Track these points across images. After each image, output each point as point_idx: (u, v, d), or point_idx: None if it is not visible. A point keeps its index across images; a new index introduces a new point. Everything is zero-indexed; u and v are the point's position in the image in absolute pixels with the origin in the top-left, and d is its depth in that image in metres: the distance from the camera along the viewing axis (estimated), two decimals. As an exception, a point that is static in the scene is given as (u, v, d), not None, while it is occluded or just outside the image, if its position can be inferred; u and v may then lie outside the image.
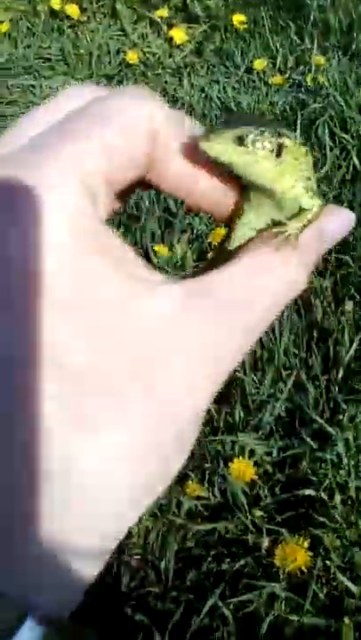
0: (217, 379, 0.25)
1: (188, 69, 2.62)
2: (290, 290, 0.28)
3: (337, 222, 0.30)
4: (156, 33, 2.86)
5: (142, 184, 0.29)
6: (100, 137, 0.25)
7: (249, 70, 2.49)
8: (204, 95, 2.41)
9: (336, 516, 1.10)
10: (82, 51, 2.87)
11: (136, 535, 1.23)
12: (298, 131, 1.85)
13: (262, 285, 0.27)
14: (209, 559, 1.13)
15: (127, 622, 1.10)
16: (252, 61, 2.47)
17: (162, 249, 1.63)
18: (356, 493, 1.14)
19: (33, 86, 2.78)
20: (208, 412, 1.27)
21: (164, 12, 2.82)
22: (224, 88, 2.38)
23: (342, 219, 0.30)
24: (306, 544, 1.07)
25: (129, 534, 1.23)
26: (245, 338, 0.26)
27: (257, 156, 0.27)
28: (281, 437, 1.24)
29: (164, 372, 0.24)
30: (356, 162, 1.74)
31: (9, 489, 0.22)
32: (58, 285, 0.22)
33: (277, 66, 2.46)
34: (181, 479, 1.20)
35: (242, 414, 1.26)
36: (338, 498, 1.12)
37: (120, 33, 2.91)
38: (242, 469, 1.17)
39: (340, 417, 1.22)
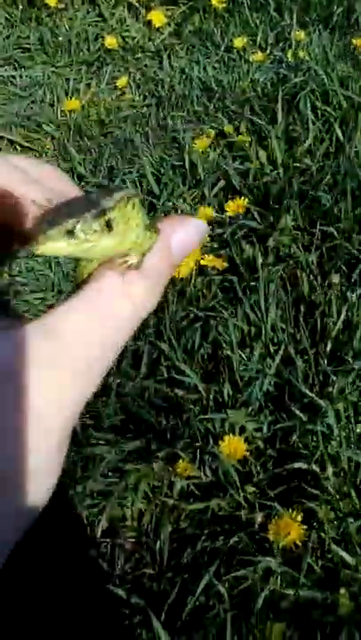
0: (68, 414, 0.27)
1: (167, 51, 2.59)
2: (137, 312, 0.29)
3: (183, 233, 0.31)
4: (134, 17, 2.82)
5: None
6: None
7: (229, 49, 2.46)
8: (184, 76, 2.38)
9: (329, 488, 1.09)
10: (61, 39, 2.84)
11: (130, 518, 1.22)
12: (280, 106, 1.82)
13: (107, 313, 0.28)
14: (203, 538, 1.12)
15: (123, 605, 1.09)
16: (231, 40, 2.44)
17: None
18: (349, 464, 1.13)
19: (13, 77, 2.75)
20: (196, 390, 1.26)
21: (141, -4, 2.79)
22: (205, 68, 2.35)
23: (188, 229, 0.31)
24: (299, 518, 1.06)
25: (122, 518, 1.22)
26: (93, 368, 0.28)
27: (91, 242, 0.28)
28: (271, 413, 1.23)
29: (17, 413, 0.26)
30: (340, 134, 1.72)
31: None
32: None
33: (258, 43, 2.43)
34: (172, 460, 1.18)
35: (230, 391, 1.25)
36: (330, 470, 1.11)
37: (98, 19, 2.87)
38: (233, 447, 1.16)
39: (330, 389, 1.20)
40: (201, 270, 1.49)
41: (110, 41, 2.64)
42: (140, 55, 2.66)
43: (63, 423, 0.27)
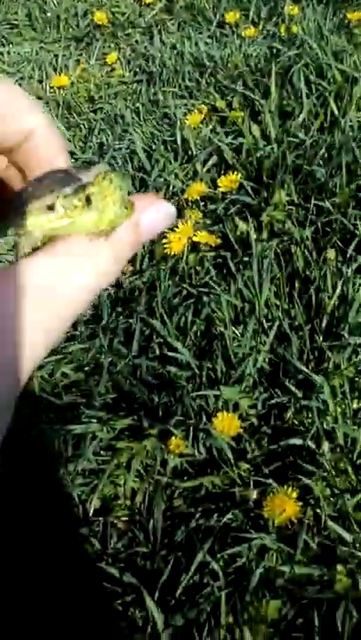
0: (33, 356, 0.27)
1: (158, 27, 2.55)
2: (98, 279, 0.29)
3: (153, 216, 0.31)
4: (124, -8, 2.78)
5: None
6: None
7: (221, 24, 2.42)
8: (176, 52, 2.34)
9: (325, 464, 1.07)
10: (49, 14, 2.78)
11: (122, 497, 1.20)
12: (273, 80, 1.79)
13: (73, 273, 0.28)
14: (197, 516, 1.10)
15: (116, 584, 1.07)
16: (223, 15, 2.40)
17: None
18: (345, 440, 1.11)
19: (1, 53, 2.70)
20: (189, 367, 1.23)
21: (131, -30, 2.74)
22: (196, 43, 2.31)
23: (159, 212, 0.32)
24: (295, 494, 1.05)
25: (115, 496, 1.20)
26: (55, 322, 0.28)
27: (71, 217, 0.28)
28: (265, 389, 1.21)
29: None
30: (334, 108, 1.69)
31: None
32: None
33: (250, 18, 2.39)
34: (165, 437, 1.16)
35: (224, 368, 1.23)
36: (326, 446, 1.09)
37: (87, -6, 2.82)
38: (226, 423, 1.14)
39: (326, 365, 1.18)
40: (194, 247, 1.46)
41: (100, 16, 2.60)
42: (130, 31, 2.62)
43: (29, 368, 0.27)
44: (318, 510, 1.06)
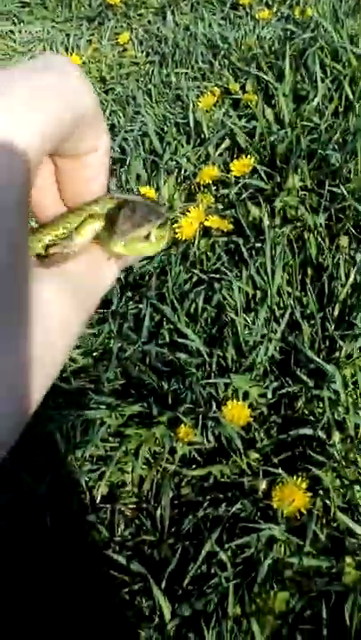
0: (69, 344, 0.28)
1: (171, 8, 2.50)
2: (112, 282, 0.32)
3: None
4: (137, -29, 2.73)
5: None
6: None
7: (235, 6, 2.38)
8: (188, 33, 2.30)
9: (335, 455, 1.06)
10: (60, -7, 2.74)
11: (130, 484, 1.19)
12: (287, 63, 1.76)
13: (101, 276, 0.31)
14: (205, 505, 1.09)
15: (123, 572, 1.07)
16: (238, -4, 2.36)
17: (148, 191, 1.56)
18: (355, 431, 1.09)
19: (12, 32, 2.67)
20: (199, 354, 1.22)
21: None
22: (210, 25, 2.27)
23: None
24: (304, 485, 1.03)
25: (122, 483, 1.19)
26: (87, 316, 0.30)
27: (155, 246, 0.32)
28: (276, 378, 1.19)
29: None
30: (349, 92, 1.65)
31: None
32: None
33: (264, 0, 2.35)
34: (174, 425, 1.15)
35: (234, 356, 1.21)
36: (337, 436, 1.07)
37: (100, -27, 2.78)
38: (236, 412, 1.13)
39: (337, 354, 1.17)
40: (205, 232, 1.44)
41: (112, -5, 2.56)
42: (142, 11, 2.58)
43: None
44: (328, 501, 1.05)
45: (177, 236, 1.42)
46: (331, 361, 1.15)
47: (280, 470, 1.05)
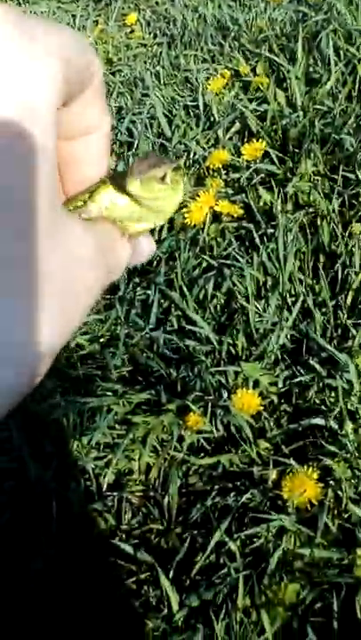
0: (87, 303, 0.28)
1: (180, -12, 2.46)
2: (125, 262, 0.32)
3: (143, 254, 0.34)
4: None
5: None
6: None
7: (245, -13, 2.34)
8: (198, 15, 2.26)
9: (348, 445, 1.04)
10: (67, -28, 2.70)
11: (137, 472, 1.17)
12: (299, 45, 1.72)
13: (116, 250, 0.31)
14: (213, 494, 1.08)
15: (130, 562, 1.05)
16: (248, -24, 2.31)
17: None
18: (368, 421, 1.07)
19: (17, 13, 2.62)
20: (209, 342, 1.20)
21: None
22: (219, 6, 2.23)
23: (149, 244, 0.35)
24: (315, 475, 1.01)
25: (129, 471, 1.17)
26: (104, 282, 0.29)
27: (171, 191, 0.31)
28: (287, 367, 1.17)
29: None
30: (363, 76, 1.62)
31: None
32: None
33: (276, -20, 2.30)
34: (182, 413, 1.13)
35: (245, 344, 1.19)
36: (349, 426, 1.05)
37: None
38: (246, 401, 1.11)
39: (350, 343, 1.14)
40: (215, 217, 1.41)
41: (120, -25, 2.51)
42: (151, -9, 2.53)
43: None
44: (339, 492, 1.03)
45: (186, 221, 1.39)
46: (343, 350, 1.13)
47: (291, 460, 1.03)
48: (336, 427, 1.06)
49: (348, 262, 1.26)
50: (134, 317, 1.29)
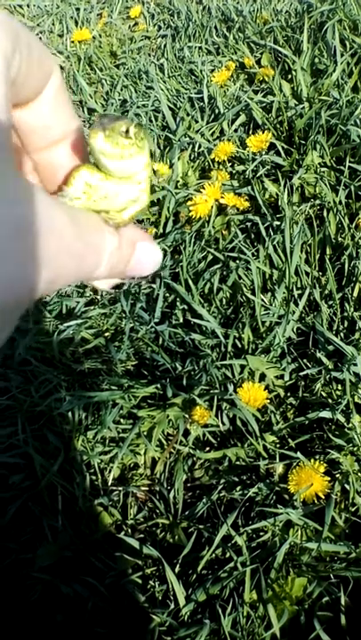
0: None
1: (184, -20, 2.44)
2: (108, 251, 0.31)
3: (147, 261, 0.34)
4: None
5: None
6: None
7: (250, -22, 2.32)
8: (202, 7, 2.24)
9: (355, 438, 1.03)
10: (70, -35, 2.68)
11: (142, 466, 1.17)
12: (305, 36, 1.70)
13: (99, 236, 0.31)
14: (219, 488, 1.07)
15: (135, 556, 1.04)
16: (253, -33, 2.29)
17: (162, 167, 1.52)
18: (376, 415, 1.06)
19: (20, 6, 2.61)
20: (214, 335, 1.19)
21: None
22: (224, -3, 2.21)
23: (154, 252, 0.35)
24: (322, 469, 1.01)
25: (135, 466, 1.17)
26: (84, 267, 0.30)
27: (135, 148, 0.31)
28: (293, 360, 1.16)
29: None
30: (369, 66, 1.60)
31: None
32: None
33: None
34: (188, 407, 1.13)
35: (251, 337, 1.18)
36: (356, 419, 1.04)
37: None
38: (252, 394, 1.10)
39: (357, 335, 1.13)
40: (220, 209, 1.40)
41: (123, -33, 2.49)
42: (154, -16, 2.52)
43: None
44: (346, 485, 1.02)
45: (191, 213, 1.38)
46: (350, 342, 1.12)
47: (297, 454, 1.02)
48: (343, 420, 1.05)
49: (354, 254, 1.25)
50: (139, 311, 1.29)
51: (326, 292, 1.21)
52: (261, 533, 1.00)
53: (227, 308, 1.26)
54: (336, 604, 0.93)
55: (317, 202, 1.34)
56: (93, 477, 1.15)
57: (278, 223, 1.29)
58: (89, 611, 0.99)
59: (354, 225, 1.30)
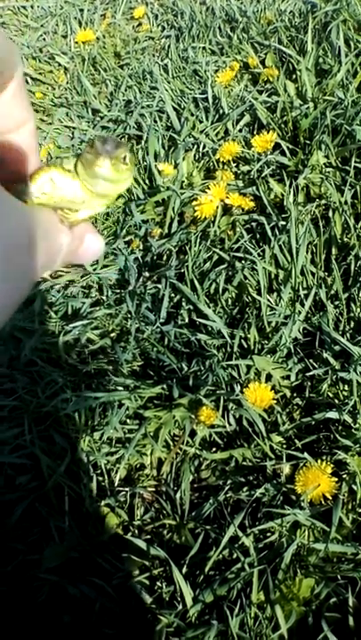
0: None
1: (188, -19, 2.44)
2: (64, 247, 0.33)
3: (92, 251, 0.37)
4: None
5: None
6: None
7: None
8: (206, 7, 2.24)
9: (362, 439, 1.02)
10: (74, -34, 2.68)
11: (149, 467, 1.17)
12: (309, 36, 1.70)
13: (56, 232, 0.33)
14: (226, 488, 1.07)
15: (142, 557, 1.04)
16: (256, -32, 2.29)
17: (167, 168, 1.52)
18: (383, 415, 1.06)
19: (24, 7, 2.62)
20: (220, 335, 1.19)
21: None
22: (227, -2, 2.21)
23: (97, 241, 0.37)
24: (329, 469, 1.00)
25: (141, 466, 1.17)
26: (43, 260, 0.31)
27: (130, 171, 0.32)
28: (299, 360, 1.16)
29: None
30: (374, 66, 1.60)
31: None
32: None
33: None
34: (194, 407, 1.12)
35: (257, 337, 1.18)
36: (363, 420, 1.04)
37: None
38: (259, 395, 1.10)
39: (364, 336, 1.13)
40: (225, 210, 1.40)
41: (127, -32, 2.49)
42: (158, -16, 2.52)
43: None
44: (354, 486, 1.02)
45: (196, 214, 1.38)
46: (357, 342, 1.12)
47: (304, 454, 1.02)
48: (350, 420, 1.05)
49: (360, 254, 1.24)
50: (145, 311, 1.29)
51: (332, 292, 1.21)
52: (268, 534, 1.00)
53: (232, 309, 1.25)
54: (344, 604, 0.93)
55: (323, 202, 1.34)
56: (100, 478, 1.15)
57: (284, 223, 1.29)
58: (96, 612, 0.99)
59: (360, 225, 1.30)
